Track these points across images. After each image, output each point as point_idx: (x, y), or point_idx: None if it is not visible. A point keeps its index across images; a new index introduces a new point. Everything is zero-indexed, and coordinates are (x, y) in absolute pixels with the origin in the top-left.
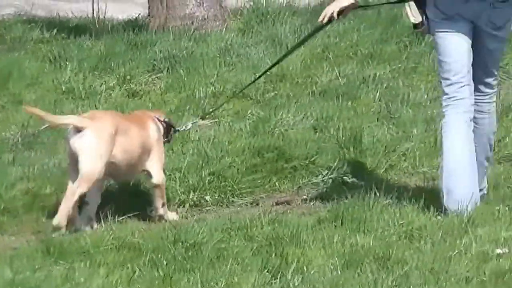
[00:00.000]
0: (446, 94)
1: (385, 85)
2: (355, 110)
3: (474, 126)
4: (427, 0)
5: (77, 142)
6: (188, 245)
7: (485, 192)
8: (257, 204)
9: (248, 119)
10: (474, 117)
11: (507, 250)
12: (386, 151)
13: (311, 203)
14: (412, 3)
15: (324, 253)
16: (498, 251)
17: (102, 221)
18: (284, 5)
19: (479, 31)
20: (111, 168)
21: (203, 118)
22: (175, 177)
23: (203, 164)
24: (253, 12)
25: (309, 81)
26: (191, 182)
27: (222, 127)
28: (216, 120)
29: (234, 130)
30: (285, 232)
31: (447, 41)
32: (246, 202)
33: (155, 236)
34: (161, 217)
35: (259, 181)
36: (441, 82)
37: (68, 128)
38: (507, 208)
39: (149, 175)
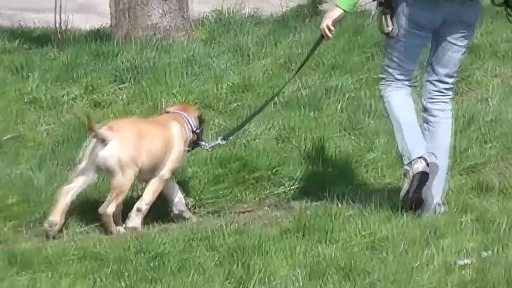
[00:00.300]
0: (386, 83)
1: (348, 96)
2: (318, 121)
3: (434, 127)
4: (398, 10)
5: (109, 155)
6: (151, 255)
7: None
8: (220, 215)
9: (211, 130)
10: (434, 116)
11: (470, 262)
12: (350, 162)
13: (274, 214)
14: (388, 14)
15: (287, 263)
16: (461, 262)
17: (65, 232)
18: (247, 15)
19: (450, 30)
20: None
21: (225, 139)
22: (137, 188)
23: None
24: (217, 22)
25: (273, 91)
26: None
27: None
28: None
29: None
30: (248, 243)
31: (410, 49)
32: (209, 213)
33: (118, 246)
34: (138, 210)
35: (222, 191)
36: (383, 71)
37: (92, 138)
38: (470, 219)
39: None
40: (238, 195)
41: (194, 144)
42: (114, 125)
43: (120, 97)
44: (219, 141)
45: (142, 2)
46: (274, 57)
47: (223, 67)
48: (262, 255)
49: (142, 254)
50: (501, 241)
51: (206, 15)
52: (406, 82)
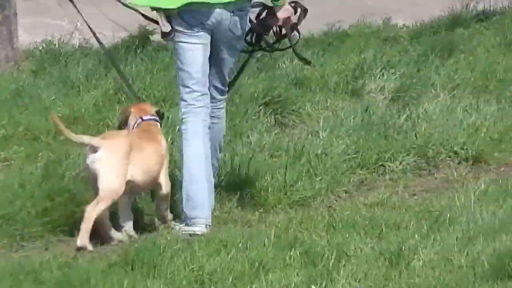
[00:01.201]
0: (186, 101)
1: (178, 128)
2: None
3: (213, 128)
4: (172, 11)
5: (94, 161)
6: None
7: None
8: (47, 249)
9: (39, 162)
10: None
11: None
12: (176, 196)
13: (102, 247)
14: (162, 13)
15: None
16: None
17: None
18: (77, 46)
19: (219, 39)
20: (132, 186)
21: None
22: None
23: None
24: (46, 53)
25: (102, 123)
26: None
27: (12, 170)
28: (6, 163)
29: (25, 173)
30: (75, 277)
31: (190, 52)
32: (37, 247)
33: None
34: (164, 218)
35: (50, 225)
36: (180, 89)
37: (86, 148)
38: (298, 253)
39: (159, 186)
40: (67, 228)
41: None
42: (107, 135)
43: None
44: None
45: None
46: (104, 89)
47: (52, 98)
48: None
49: None
50: (329, 274)
51: (36, 46)
52: (205, 100)
